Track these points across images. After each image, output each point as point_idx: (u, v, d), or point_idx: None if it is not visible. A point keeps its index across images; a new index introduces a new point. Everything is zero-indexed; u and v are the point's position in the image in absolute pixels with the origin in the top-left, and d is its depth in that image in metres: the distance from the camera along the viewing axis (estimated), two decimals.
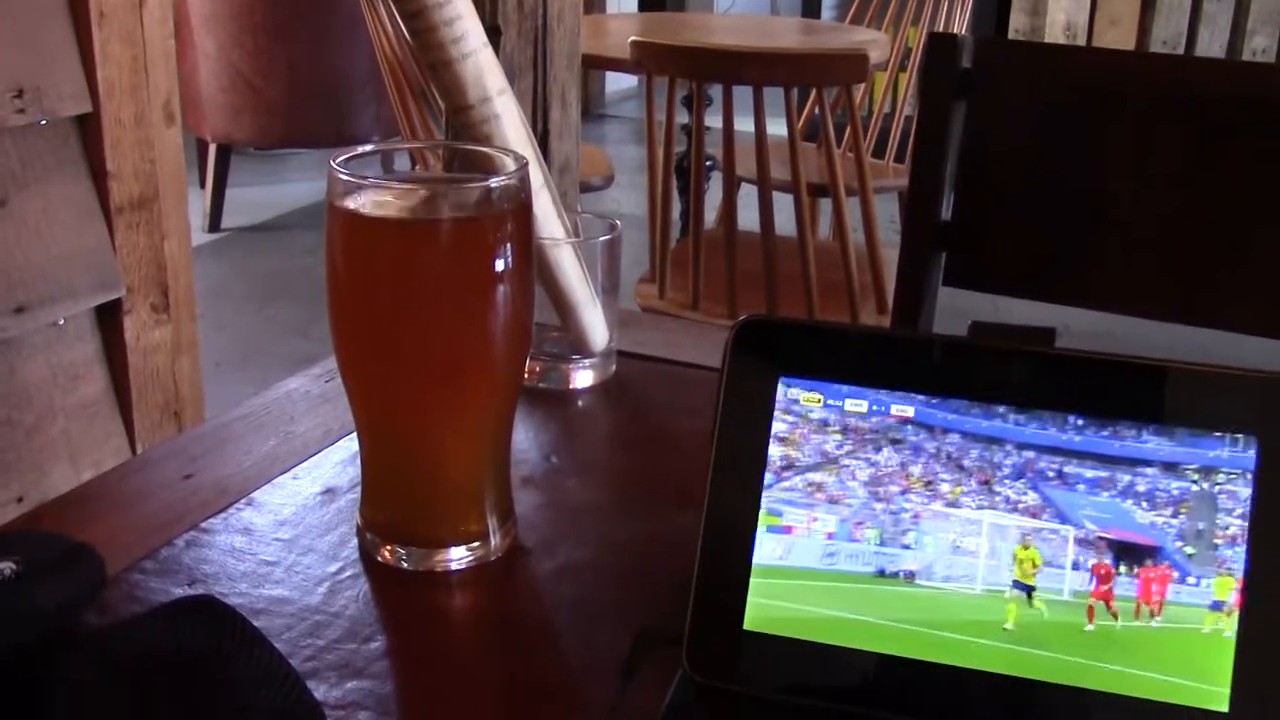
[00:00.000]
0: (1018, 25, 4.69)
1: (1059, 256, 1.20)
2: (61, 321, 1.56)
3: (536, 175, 0.78)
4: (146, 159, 1.60)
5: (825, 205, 2.80)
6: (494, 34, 1.86)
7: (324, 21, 3.87)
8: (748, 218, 2.29)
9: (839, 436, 0.56)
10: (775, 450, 0.56)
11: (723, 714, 0.55)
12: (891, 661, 0.53)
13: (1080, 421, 0.54)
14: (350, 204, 0.61)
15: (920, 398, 0.56)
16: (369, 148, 0.64)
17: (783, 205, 2.20)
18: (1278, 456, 0.51)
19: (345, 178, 0.60)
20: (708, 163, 2.59)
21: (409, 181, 0.63)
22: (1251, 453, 0.52)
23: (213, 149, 4.10)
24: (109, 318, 1.62)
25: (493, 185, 0.62)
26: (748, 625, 0.55)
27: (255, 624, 0.54)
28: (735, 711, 0.55)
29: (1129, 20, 4.56)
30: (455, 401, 0.64)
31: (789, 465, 0.56)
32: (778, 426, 0.56)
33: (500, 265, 0.62)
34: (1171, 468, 0.52)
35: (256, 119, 3.96)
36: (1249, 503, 0.51)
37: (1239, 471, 0.52)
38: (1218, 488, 0.52)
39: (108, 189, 1.56)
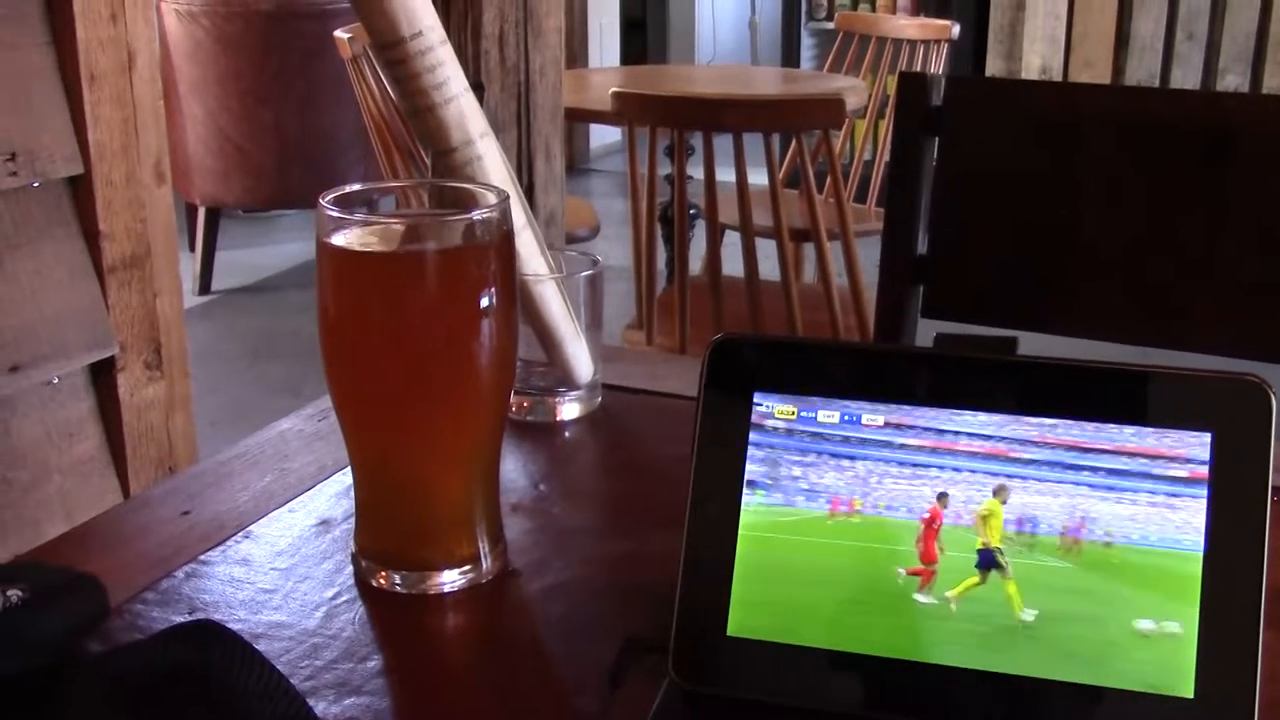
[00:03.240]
0: (994, 69, 4.76)
1: (1032, 286, 1.23)
2: (56, 380, 1.58)
3: (519, 214, 0.81)
4: (138, 218, 1.63)
5: (810, 250, 2.83)
6: (478, 90, 1.90)
7: (310, 84, 3.93)
8: (733, 265, 2.32)
9: (813, 445, 0.58)
10: (752, 462, 0.58)
11: (708, 718, 0.57)
12: (874, 661, 0.55)
13: (1047, 422, 0.56)
14: (338, 240, 0.63)
15: (890, 407, 0.58)
16: (357, 186, 0.67)
17: (768, 251, 2.24)
18: (1230, 448, 0.54)
19: (333, 214, 0.63)
20: (691, 211, 2.63)
21: (394, 217, 0.66)
22: (1208, 444, 0.54)
23: (202, 212, 4.14)
24: (103, 376, 1.64)
25: (475, 218, 0.65)
26: (731, 631, 0.57)
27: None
28: (720, 715, 0.57)
29: (1103, 62, 4.63)
30: (443, 428, 0.66)
31: (766, 474, 0.58)
32: (754, 439, 0.59)
33: (484, 295, 0.64)
34: (1134, 460, 0.55)
35: (245, 181, 4.00)
36: (1207, 492, 0.54)
37: (1198, 462, 0.54)
38: (1178, 479, 0.54)
39: (100, 248, 1.58)
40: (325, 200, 0.64)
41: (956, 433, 0.57)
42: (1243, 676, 0.52)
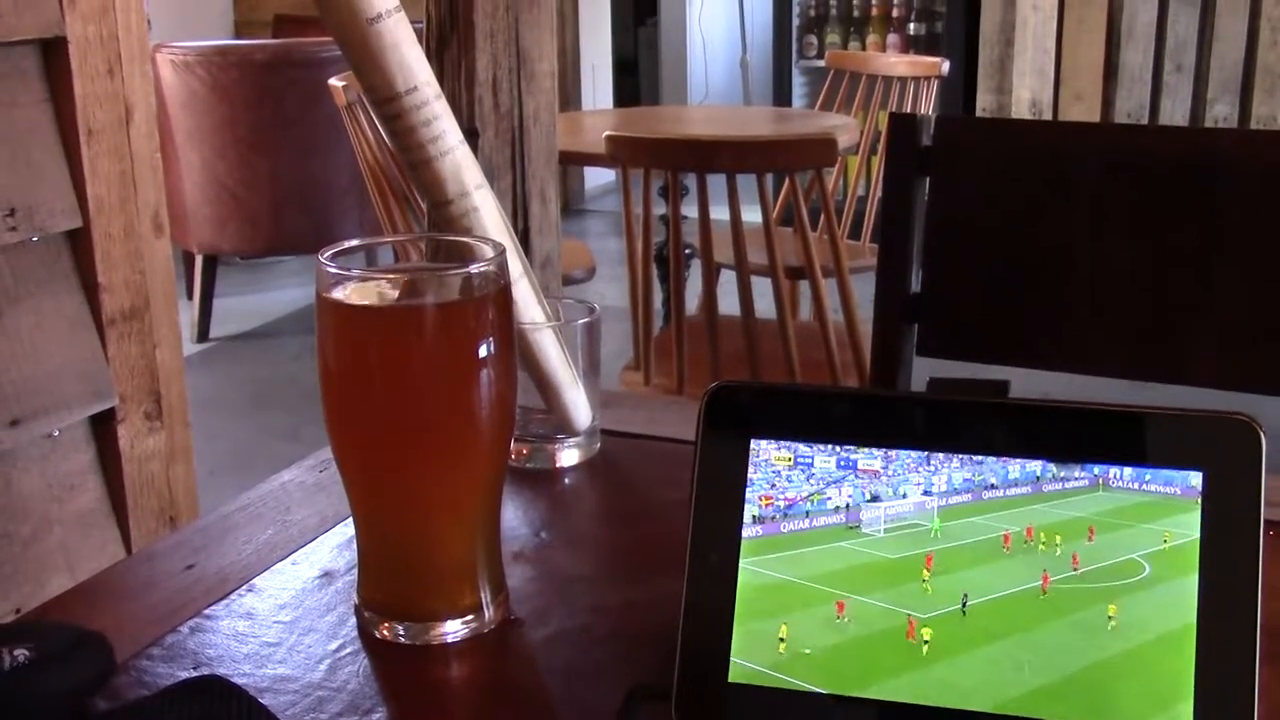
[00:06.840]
0: (984, 104, 4.79)
1: (1025, 323, 1.24)
2: (56, 433, 1.59)
3: (515, 263, 0.82)
4: (136, 270, 1.64)
5: (805, 287, 2.85)
6: (472, 136, 1.91)
7: (305, 131, 3.95)
8: (729, 304, 2.33)
9: (809, 490, 0.59)
10: (750, 508, 0.59)
11: None
12: (876, 705, 0.56)
13: (1044, 464, 0.57)
14: (338, 295, 0.64)
15: (885, 451, 0.59)
16: (355, 242, 0.68)
17: (764, 289, 2.25)
18: (1222, 486, 0.54)
19: (332, 270, 0.64)
20: (687, 251, 2.64)
21: (393, 271, 0.66)
22: (1200, 483, 0.55)
23: (199, 260, 4.15)
24: (103, 427, 1.65)
25: (473, 271, 0.65)
26: (732, 677, 0.57)
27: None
28: None
29: (1092, 94, 4.66)
30: (444, 480, 0.67)
31: (763, 520, 0.59)
32: (751, 485, 0.59)
33: (483, 347, 0.65)
34: (1128, 499, 0.56)
35: (241, 229, 4.02)
36: (1200, 530, 0.54)
37: (1189, 501, 0.55)
38: (1172, 518, 0.55)
39: (99, 301, 1.59)
40: (324, 256, 0.64)
41: (951, 480, 0.58)
42: (1242, 713, 0.52)
